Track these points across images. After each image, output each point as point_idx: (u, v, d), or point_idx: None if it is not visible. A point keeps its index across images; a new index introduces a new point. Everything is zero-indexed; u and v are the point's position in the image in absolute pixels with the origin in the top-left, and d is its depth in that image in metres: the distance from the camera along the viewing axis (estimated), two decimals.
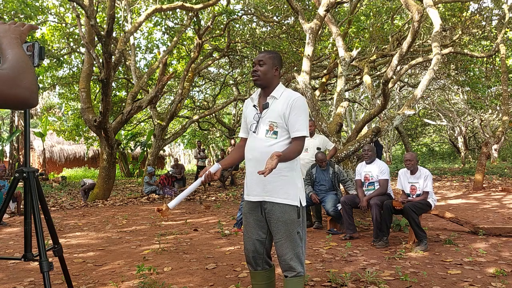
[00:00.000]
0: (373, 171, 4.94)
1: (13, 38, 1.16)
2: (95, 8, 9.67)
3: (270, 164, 1.94)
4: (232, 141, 15.34)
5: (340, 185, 5.78)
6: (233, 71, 17.77)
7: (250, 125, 2.29)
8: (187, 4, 9.81)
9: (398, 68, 10.10)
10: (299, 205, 2.20)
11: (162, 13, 12.30)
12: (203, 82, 19.84)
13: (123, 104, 16.17)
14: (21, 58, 1.09)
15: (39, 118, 21.60)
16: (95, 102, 14.93)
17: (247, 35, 13.67)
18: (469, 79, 12.67)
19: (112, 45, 8.75)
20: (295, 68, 12.85)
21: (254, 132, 2.26)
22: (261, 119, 2.24)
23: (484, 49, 13.37)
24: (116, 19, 10.53)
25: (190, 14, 11.55)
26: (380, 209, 4.55)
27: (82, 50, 13.73)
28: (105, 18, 10.53)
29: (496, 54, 11.21)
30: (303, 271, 2.22)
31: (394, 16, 11.31)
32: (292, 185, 2.20)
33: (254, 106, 2.32)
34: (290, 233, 2.17)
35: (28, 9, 10.01)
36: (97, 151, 23.43)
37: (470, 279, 3.22)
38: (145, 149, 21.03)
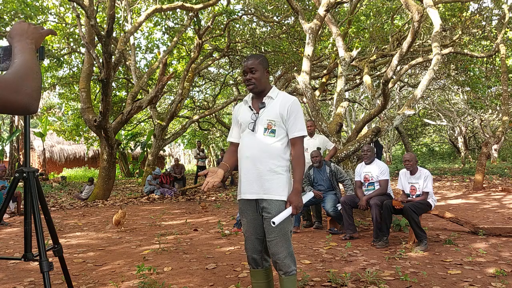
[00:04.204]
0: (372, 171, 4.94)
1: (28, 43, 1.15)
2: (95, 8, 9.66)
3: (297, 202, 2.18)
4: None
5: (340, 184, 5.77)
6: (233, 71, 17.77)
7: (248, 124, 2.31)
8: (187, 4, 9.82)
9: (398, 68, 10.10)
10: None
11: (162, 13, 12.30)
12: (203, 82, 19.84)
13: (123, 104, 16.18)
14: (28, 64, 1.08)
15: (39, 118, 21.60)
16: (95, 102, 14.93)
17: (247, 35, 13.67)
18: (469, 79, 12.67)
19: (112, 45, 8.75)
20: (295, 68, 12.86)
21: (252, 130, 2.29)
22: (259, 119, 2.28)
23: (484, 49, 13.37)
24: (116, 19, 10.53)
25: (190, 14, 11.55)
26: (380, 209, 4.55)
27: (82, 50, 13.74)
28: (105, 18, 10.53)
29: (496, 54, 11.21)
30: (296, 268, 2.27)
31: (394, 16, 11.30)
32: (288, 184, 2.26)
33: (250, 107, 2.35)
34: (284, 232, 2.21)
35: (28, 9, 10.01)
36: (97, 151, 23.43)
37: (470, 279, 3.22)
38: (145, 149, 21.04)
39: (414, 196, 4.65)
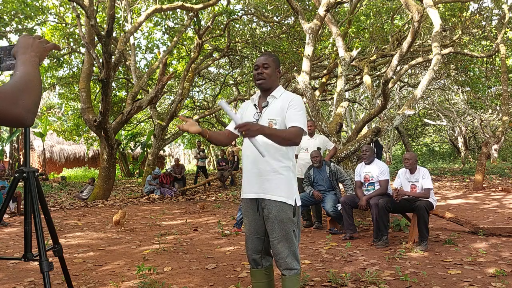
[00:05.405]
0: (372, 171, 4.94)
1: (32, 56, 1.15)
2: (95, 8, 9.66)
3: (251, 127, 1.95)
4: (233, 142, 15.33)
5: (340, 184, 5.76)
6: (233, 71, 17.77)
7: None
8: (187, 4, 9.81)
9: (398, 68, 10.10)
10: (294, 204, 2.23)
11: (162, 13, 12.30)
12: (203, 82, 19.85)
13: (123, 104, 16.18)
14: (29, 76, 1.07)
15: (39, 118, 21.65)
16: (95, 102, 14.94)
17: (247, 35, 13.67)
18: (469, 79, 12.67)
19: (112, 45, 8.75)
20: (295, 68, 12.85)
21: None
22: (261, 118, 2.29)
23: (484, 49, 13.37)
24: (116, 19, 10.53)
25: (190, 14, 11.55)
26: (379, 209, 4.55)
27: (82, 50, 13.74)
28: (105, 18, 10.52)
29: (496, 54, 11.21)
30: (299, 268, 2.26)
31: (394, 16, 11.31)
32: (288, 184, 2.23)
33: (255, 105, 2.37)
34: (286, 232, 2.20)
35: (28, 9, 10.01)
36: (97, 151, 23.43)
37: (470, 279, 3.22)
38: (145, 149, 21.04)
39: None
